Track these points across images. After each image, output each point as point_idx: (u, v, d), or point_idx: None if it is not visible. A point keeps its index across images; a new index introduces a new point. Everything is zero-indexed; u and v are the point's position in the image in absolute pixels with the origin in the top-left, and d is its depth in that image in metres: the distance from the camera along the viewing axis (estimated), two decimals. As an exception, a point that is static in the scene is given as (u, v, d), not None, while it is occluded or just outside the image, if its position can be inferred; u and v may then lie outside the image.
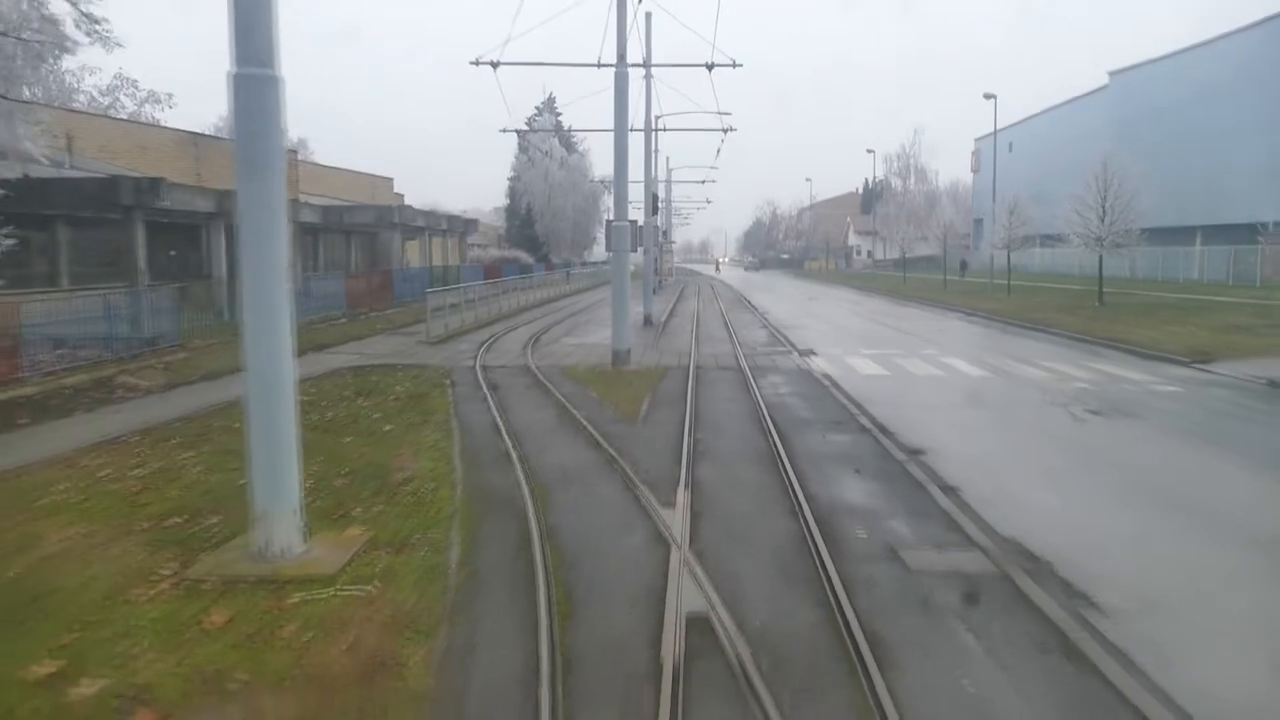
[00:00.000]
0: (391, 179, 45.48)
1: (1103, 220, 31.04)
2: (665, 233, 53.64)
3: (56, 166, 18.90)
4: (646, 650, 4.98)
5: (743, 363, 17.54)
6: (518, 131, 58.35)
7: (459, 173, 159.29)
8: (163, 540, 6.61)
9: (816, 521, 7.22)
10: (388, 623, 5.20)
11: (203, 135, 32.99)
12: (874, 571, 6.26)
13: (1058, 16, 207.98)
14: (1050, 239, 47.52)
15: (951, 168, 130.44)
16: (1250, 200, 39.15)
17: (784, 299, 44.91)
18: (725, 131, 28.13)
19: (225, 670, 4.58)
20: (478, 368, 16.70)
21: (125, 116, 47.97)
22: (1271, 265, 38.58)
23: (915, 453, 9.90)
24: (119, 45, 15.27)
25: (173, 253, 25.86)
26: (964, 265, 53.10)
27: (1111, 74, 54.61)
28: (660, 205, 43.39)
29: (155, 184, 20.41)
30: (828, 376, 15.79)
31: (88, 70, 47.07)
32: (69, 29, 14.17)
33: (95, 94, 51.15)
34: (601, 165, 73.92)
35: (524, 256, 60.79)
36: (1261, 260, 37.94)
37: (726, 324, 27.63)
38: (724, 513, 7.67)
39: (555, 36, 20.18)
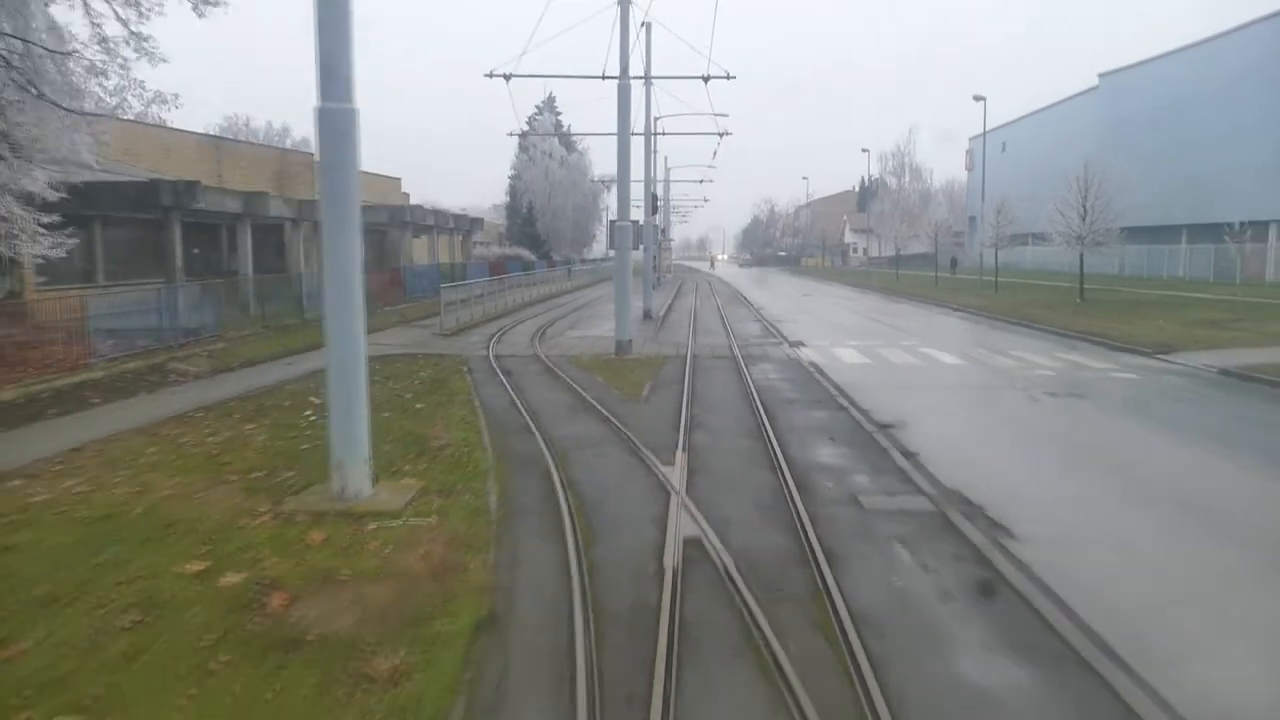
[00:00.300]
0: (399, 179, 46.79)
1: (1083, 220, 32.47)
2: (664, 231, 55.05)
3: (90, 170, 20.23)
4: (653, 560, 6.42)
5: (736, 352, 18.97)
6: (521, 134, 59.90)
7: (457, 171, 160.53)
8: (252, 488, 8.04)
9: (793, 476, 8.66)
10: (448, 542, 6.62)
11: (224, 139, 34.35)
12: (836, 511, 7.70)
13: (1059, 17, 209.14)
14: (1040, 237, 48.96)
15: (951, 166, 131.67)
16: (1230, 200, 40.54)
17: (779, 295, 46.31)
18: (721, 135, 29.48)
19: (331, 569, 6.01)
20: (491, 357, 18.12)
21: (132, 117, 49.15)
22: (1255, 263, 40.04)
23: (885, 426, 11.33)
24: (163, 60, 16.64)
25: (195, 250, 27.24)
26: (954, 262, 54.50)
27: (1101, 76, 56.01)
28: (659, 205, 44.81)
29: (192, 187, 21.87)
30: (814, 364, 17.22)
31: (93, 73, 48.32)
32: (121, 49, 15.56)
33: (103, 94, 52.44)
34: (600, 164, 75.49)
35: (526, 254, 62.21)
36: (1242, 258, 39.36)
37: (723, 318, 29.04)
38: (715, 469, 9.11)
39: (562, 41, 21.51)
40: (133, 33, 15.89)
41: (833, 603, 5.58)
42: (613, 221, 21.54)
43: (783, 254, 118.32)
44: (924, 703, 4.48)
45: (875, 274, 69.49)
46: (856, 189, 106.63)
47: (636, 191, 30.68)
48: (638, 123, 26.23)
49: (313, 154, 38.84)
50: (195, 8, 14.92)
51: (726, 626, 5.34)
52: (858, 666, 4.72)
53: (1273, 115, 38.93)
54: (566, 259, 67.13)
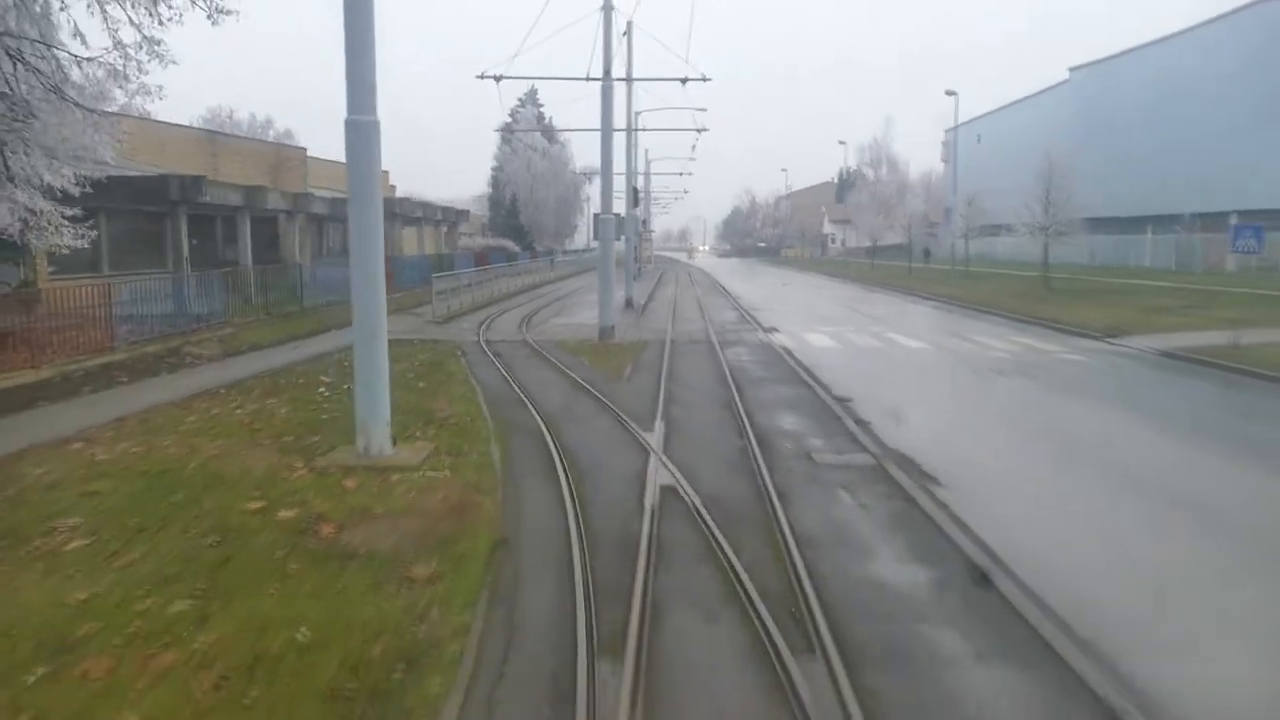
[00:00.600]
0: (387, 171, 47.84)
1: (1046, 211, 33.97)
2: (645, 222, 56.23)
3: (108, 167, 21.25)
4: (634, 501, 7.68)
5: (713, 338, 20.27)
6: (505, 128, 60.89)
7: (440, 163, 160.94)
8: (285, 449, 9.22)
9: (756, 439, 9.94)
10: (463, 487, 7.85)
11: (219, 133, 35.24)
12: (791, 464, 9.00)
13: (1060, 16, 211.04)
14: (1010, 229, 50.51)
15: (928, 158, 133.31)
16: (1191, 193, 42.15)
17: (758, 285, 47.68)
18: (699, 131, 30.89)
19: (366, 506, 7.23)
20: (482, 342, 19.33)
21: (116, 109, 49.81)
22: (1215, 254, 41.71)
23: (842, 400, 12.63)
24: (173, 62, 17.71)
25: (194, 241, 28.24)
26: (927, 253, 56.04)
27: (1071, 70, 57.57)
28: (640, 197, 46.00)
29: (198, 181, 22.94)
30: (785, 348, 18.54)
31: (75, 63, 48.87)
32: (137, 53, 16.60)
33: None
34: (582, 156, 76.68)
35: (510, 245, 63.34)
36: (1204, 249, 40.97)
37: (701, 307, 30.34)
38: (689, 435, 10.39)
39: (551, 43, 22.67)
40: (146, 37, 16.94)
41: (780, 528, 6.86)
42: (597, 214, 22.77)
43: (763, 245, 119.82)
44: (841, 590, 5.76)
45: (853, 264, 70.97)
46: (836, 180, 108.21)
47: (619, 184, 31.95)
48: (620, 119, 27.43)
49: (304, 148, 40.01)
50: (210, 15, 15.96)
51: (694, 544, 6.61)
52: (795, 568, 5.99)
53: (1231, 111, 40.51)
54: (549, 250, 68.30)
